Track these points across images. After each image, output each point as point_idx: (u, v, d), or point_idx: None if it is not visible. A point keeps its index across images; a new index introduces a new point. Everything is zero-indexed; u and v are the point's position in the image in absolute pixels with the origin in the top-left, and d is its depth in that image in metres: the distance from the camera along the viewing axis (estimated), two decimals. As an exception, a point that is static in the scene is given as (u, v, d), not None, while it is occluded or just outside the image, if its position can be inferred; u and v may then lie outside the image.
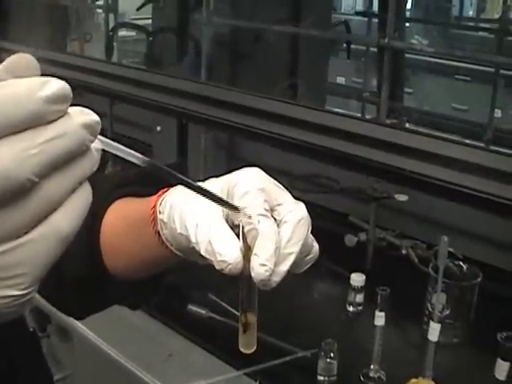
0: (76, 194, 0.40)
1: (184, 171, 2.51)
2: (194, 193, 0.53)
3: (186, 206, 0.62)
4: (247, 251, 0.57)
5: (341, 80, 4.68)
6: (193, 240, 0.59)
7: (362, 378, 1.48)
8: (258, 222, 0.57)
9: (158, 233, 0.67)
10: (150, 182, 0.77)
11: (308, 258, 0.61)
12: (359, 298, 1.72)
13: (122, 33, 3.29)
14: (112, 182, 0.83)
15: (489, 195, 1.39)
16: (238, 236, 0.58)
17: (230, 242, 0.57)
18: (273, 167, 2.51)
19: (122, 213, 0.79)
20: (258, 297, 0.60)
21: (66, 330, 1.82)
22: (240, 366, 1.49)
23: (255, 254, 0.56)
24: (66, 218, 0.40)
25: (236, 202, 0.58)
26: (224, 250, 0.57)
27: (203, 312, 1.69)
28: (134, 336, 1.66)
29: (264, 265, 0.55)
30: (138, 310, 0.91)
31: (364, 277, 1.72)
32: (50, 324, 1.90)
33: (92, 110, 0.41)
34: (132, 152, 0.45)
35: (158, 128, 2.57)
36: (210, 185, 0.63)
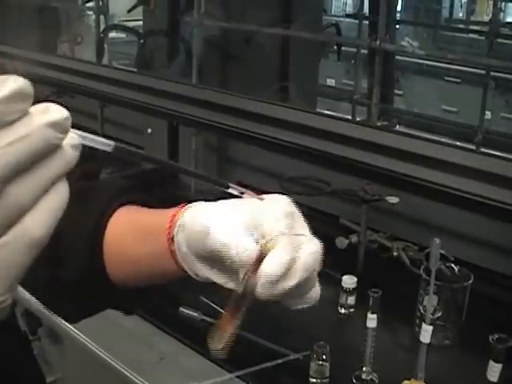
0: (48, 195, 0.39)
1: (175, 173, 2.50)
2: (176, 172, 0.55)
3: (211, 210, 0.64)
4: (259, 260, 0.58)
5: (331, 82, 4.68)
6: (211, 234, 0.61)
7: (354, 381, 1.48)
8: (278, 236, 0.59)
9: (172, 239, 0.67)
10: (150, 190, 0.77)
11: (308, 295, 0.63)
12: (351, 300, 1.73)
13: (113, 34, 3.28)
14: (113, 189, 0.83)
15: (479, 197, 1.39)
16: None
17: (249, 237, 0.59)
18: (264, 169, 2.52)
19: (131, 221, 0.79)
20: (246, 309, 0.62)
21: (56, 333, 1.81)
22: (232, 369, 1.49)
23: (266, 260, 0.58)
24: (37, 222, 0.38)
25: (263, 217, 0.61)
26: (241, 241, 0.59)
27: (195, 315, 1.69)
28: (125, 339, 1.66)
29: (277, 265, 0.57)
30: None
31: (355, 279, 1.72)
32: (40, 327, 1.89)
33: (66, 107, 0.39)
34: (102, 140, 0.44)
35: (149, 130, 2.57)
36: (238, 201, 0.64)
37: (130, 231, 0.77)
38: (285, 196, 0.64)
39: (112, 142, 0.46)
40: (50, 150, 0.38)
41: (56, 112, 0.38)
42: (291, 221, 0.61)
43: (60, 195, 0.40)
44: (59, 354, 1.86)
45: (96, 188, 0.82)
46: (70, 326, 1.67)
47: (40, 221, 0.38)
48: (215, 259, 0.62)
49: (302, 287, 0.61)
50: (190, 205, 0.68)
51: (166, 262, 0.69)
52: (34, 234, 0.38)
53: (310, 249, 0.60)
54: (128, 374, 1.53)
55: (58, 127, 0.38)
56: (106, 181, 0.85)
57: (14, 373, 0.83)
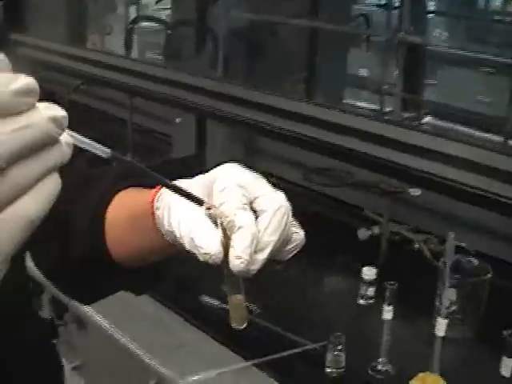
0: (44, 181, 0.42)
1: (202, 163, 2.53)
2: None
3: (172, 205, 0.66)
4: (228, 243, 0.60)
5: (363, 72, 4.65)
6: (177, 236, 0.64)
7: (369, 371, 1.49)
8: (235, 215, 0.60)
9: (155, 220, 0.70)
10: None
11: (291, 246, 0.64)
12: (370, 291, 1.73)
13: (145, 24, 3.31)
14: (117, 173, 0.86)
15: (498, 196, 1.40)
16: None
17: (211, 235, 0.60)
18: (288, 160, 2.52)
19: (123, 204, 0.82)
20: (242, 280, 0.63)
21: (81, 319, 1.86)
22: (249, 357, 1.52)
23: (232, 247, 0.59)
24: (33, 203, 0.42)
25: (215, 198, 0.62)
26: (205, 243, 0.60)
27: (215, 303, 1.71)
28: (146, 325, 1.69)
29: (239, 257, 0.58)
30: (149, 297, 0.93)
31: (375, 270, 1.73)
32: (67, 313, 1.94)
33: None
34: (98, 145, 0.48)
35: (177, 120, 2.60)
36: (191, 183, 0.66)
37: (122, 214, 0.80)
38: (232, 164, 0.65)
39: (109, 150, 0.49)
40: (50, 141, 0.42)
41: (57, 109, 0.42)
42: (244, 189, 0.61)
43: (54, 184, 0.43)
44: (84, 339, 1.91)
45: (102, 173, 0.86)
46: (93, 312, 1.72)
47: (35, 202, 0.42)
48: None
49: (280, 243, 0.61)
50: (161, 191, 0.70)
51: (159, 242, 0.71)
52: (30, 213, 0.42)
53: (273, 207, 0.61)
54: (148, 360, 1.57)
55: (58, 123, 0.42)
56: (111, 167, 0.88)
57: (29, 355, 0.87)
